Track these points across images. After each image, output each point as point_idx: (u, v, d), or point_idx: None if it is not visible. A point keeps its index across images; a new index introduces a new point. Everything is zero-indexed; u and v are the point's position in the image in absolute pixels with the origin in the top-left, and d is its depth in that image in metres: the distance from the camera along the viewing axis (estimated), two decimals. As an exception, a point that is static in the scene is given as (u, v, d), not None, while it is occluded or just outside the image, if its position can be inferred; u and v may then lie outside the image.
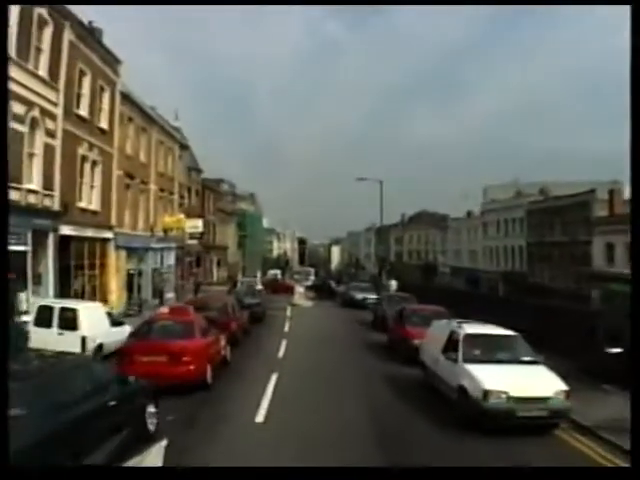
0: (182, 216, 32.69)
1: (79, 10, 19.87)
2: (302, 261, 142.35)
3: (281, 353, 16.93)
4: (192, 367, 11.08)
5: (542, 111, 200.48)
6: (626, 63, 4.91)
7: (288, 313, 29.24)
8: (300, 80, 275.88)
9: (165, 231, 31.39)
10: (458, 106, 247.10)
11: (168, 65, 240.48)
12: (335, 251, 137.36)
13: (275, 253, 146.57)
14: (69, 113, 19.83)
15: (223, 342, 14.13)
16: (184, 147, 37.71)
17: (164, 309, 17.31)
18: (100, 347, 14.12)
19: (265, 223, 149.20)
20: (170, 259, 33.53)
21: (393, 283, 37.70)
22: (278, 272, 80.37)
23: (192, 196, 55.74)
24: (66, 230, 19.34)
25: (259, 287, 38.74)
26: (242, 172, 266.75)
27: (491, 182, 74.35)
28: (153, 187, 30.61)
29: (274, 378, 12.73)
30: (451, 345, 10.65)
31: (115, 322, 16.09)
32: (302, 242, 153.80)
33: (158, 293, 30.29)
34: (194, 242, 51.83)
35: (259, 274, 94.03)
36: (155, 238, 30.22)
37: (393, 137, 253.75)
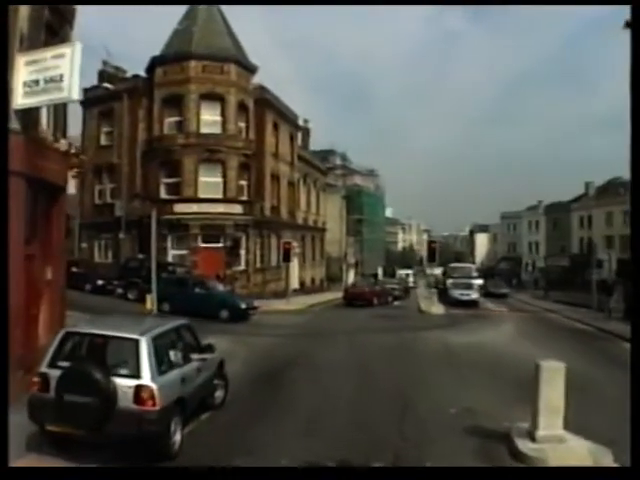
0: None
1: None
2: (432, 257, 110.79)
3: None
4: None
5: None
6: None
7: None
8: (422, 70, 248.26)
9: None
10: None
11: (293, 60, 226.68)
12: (481, 240, 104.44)
13: (400, 246, 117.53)
14: None
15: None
16: None
17: None
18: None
19: (389, 213, 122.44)
20: None
21: None
22: (410, 272, 51.77)
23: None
24: None
25: None
26: (364, 161, 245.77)
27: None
28: None
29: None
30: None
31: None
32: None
33: None
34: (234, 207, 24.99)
35: (380, 271, 65.94)
36: None
37: (519, 121, 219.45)
